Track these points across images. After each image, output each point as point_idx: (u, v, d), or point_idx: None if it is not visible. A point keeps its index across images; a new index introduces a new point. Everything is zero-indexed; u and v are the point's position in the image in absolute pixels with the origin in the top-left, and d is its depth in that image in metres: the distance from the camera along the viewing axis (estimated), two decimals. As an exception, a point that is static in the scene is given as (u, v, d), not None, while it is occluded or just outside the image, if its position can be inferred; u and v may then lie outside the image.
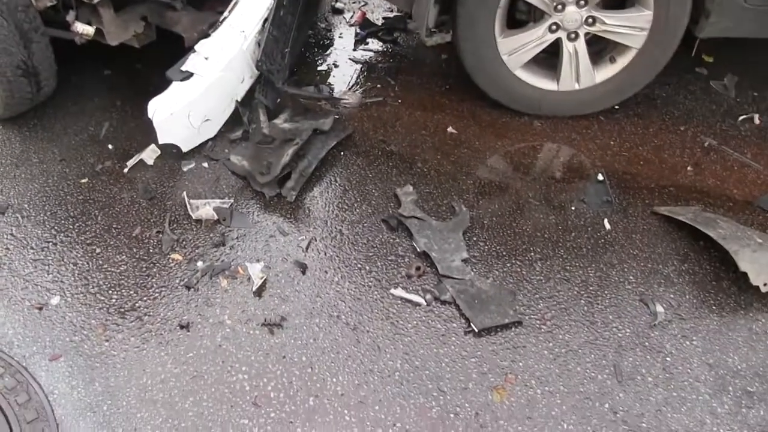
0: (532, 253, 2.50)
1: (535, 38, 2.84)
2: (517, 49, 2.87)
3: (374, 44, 3.61)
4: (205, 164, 2.86)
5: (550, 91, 2.98)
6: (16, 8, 2.76)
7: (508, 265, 2.46)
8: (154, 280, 2.42)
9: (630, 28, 2.80)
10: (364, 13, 3.75)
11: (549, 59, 2.96)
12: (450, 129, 3.01)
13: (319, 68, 3.46)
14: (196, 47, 2.83)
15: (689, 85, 3.31)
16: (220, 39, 2.85)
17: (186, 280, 2.41)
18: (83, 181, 2.85)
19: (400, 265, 2.46)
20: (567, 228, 2.60)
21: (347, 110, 3.12)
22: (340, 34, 3.71)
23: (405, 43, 3.60)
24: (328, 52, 3.57)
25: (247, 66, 2.94)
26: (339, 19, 3.82)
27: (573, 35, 2.83)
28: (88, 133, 3.11)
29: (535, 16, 2.88)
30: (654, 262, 2.48)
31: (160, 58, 3.17)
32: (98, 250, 2.54)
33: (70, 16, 2.88)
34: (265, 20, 2.94)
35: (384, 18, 3.76)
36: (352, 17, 3.80)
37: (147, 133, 2.88)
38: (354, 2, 3.93)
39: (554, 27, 2.81)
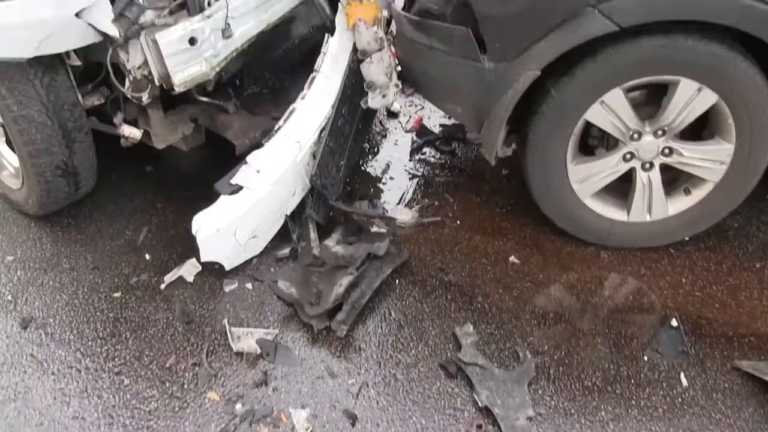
0: (603, 413, 2.25)
1: (608, 167, 2.65)
2: (588, 178, 2.68)
3: (431, 154, 3.42)
4: (249, 285, 2.66)
5: (620, 221, 2.78)
6: (63, 107, 2.63)
7: (578, 425, 2.21)
8: (187, 423, 2.19)
9: (709, 161, 2.61)
10: (420, 119, 3.59)
11: (619, 187, 2.76)
12: (512, 258, 2.79)
13: (374, 180, 3.27)
14: (248, 159, 2.66)
15: (761, 215, 3.07)
16: (273, 150, 2.69)
17: (223, 425, 2.18)
18: (116, 295, 2.66)
19: (458, 420, 2.21)
20: (640, 382, 2.35)
21: (403, 230, 2.92)
22: (396, 141, 3.54)
23: (463, 155, 3.41)
24: (382, 161, 3.39)
25: (299, 178, 2.76)
26: (394, 123, 3.66)
27: (648, 165, 2.64)
28: (124, 238, 2.93)
29: (609, 143, 2.70)
30: (741, 430, 2.22)
31: (206, 157, 3.04)
32: (127, 382, 2.32)
33: (118, 119, 2.73)
34: (322, 130, 2.78)
35: (441, 125, 3.58)
36: (407, 122, 3.63)
37: (187, 242, 2.70)
38: (410, 105, 3.77)
39: (629, 156, 2.62)
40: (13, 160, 2.93)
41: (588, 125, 2.60)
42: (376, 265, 2.64)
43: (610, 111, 2.49)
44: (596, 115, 2.51)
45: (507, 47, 2.43)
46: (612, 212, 2.77)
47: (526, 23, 2.37)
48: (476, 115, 2.65)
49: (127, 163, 3.23)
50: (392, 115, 3.67)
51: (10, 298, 2.69)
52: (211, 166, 3.06)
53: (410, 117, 3.69)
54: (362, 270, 2.58)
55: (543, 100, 2.50)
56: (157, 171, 3.32)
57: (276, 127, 2.75)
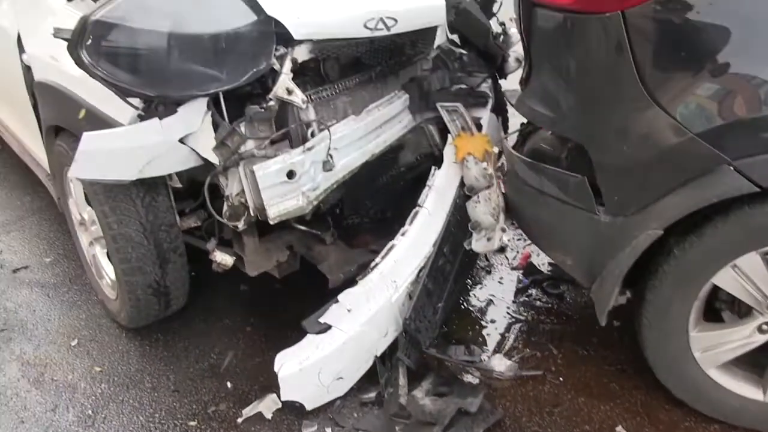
0: None
1: (739, 337, 2.33)
2: (714, 347, 2.36)
3: (537, 296, 3.17)
4: (329, 430, 2.47)
5: (754, 400, 2.42)
6: (160, 227, 2.60)
7: None
8: None
9: None
10: (528, 255, 3.37)
11: (754, 358, 2.41)
12: (619, 428, 2.46)
13: (472, 321, 3.04)
14: (339, 297, 2.51)
15: None
16: (367, 289, 2.54)
17: None
18: (192, 423, 2.54)
19: None
20: None
21: (499, 383, 2.67)
22: (500, 278, 3.31)
23: (572, 300, 3.14)
24: (483, 301, 3.15)
25: (393, 319, 2.58)
26: (500, 258, 3.45)
27: (791, 338, 2.30)
28: (209, 361, 2.84)
29: (741, 310, 2.38)
30: None
31: (301, 279, 2.93)
32: None
33: (211, 244, 2.67)
34: (421, 269, 2.63)
35: (550, 264, 3.34)
36: (514, 258, 3.43)
37: (271, 373, 2.54)
38: (519, 238, 3.57)
39: (765, 327, 2.29)
40: (111, 271, 2.93)
41: (715, 287, 2.32)
42: (467, 423, 2.40)
43: (744, 276, 2.19)
44: (726, 280, 2.21)
45: (626, 201, 2.21)
46: (743, 388, 2.41)
47: (649, 177, 2.15)
48: (588, 269, 2.42)
49: (222, 279, 3.16)
50: (499, 249, 3.46)
51: (90, 412, 2.62)
52: (305, 292, 2.95)
53: (518, 252, 3.48)
54: (450, 423, 2.35)
55: (664, 260, 2.24)
56: (250, 291, 3.24)
57: (372, 264, 2.60)
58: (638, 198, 2.18)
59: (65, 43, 2.27)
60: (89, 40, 2.20)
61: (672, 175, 2.09)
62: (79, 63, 2.23)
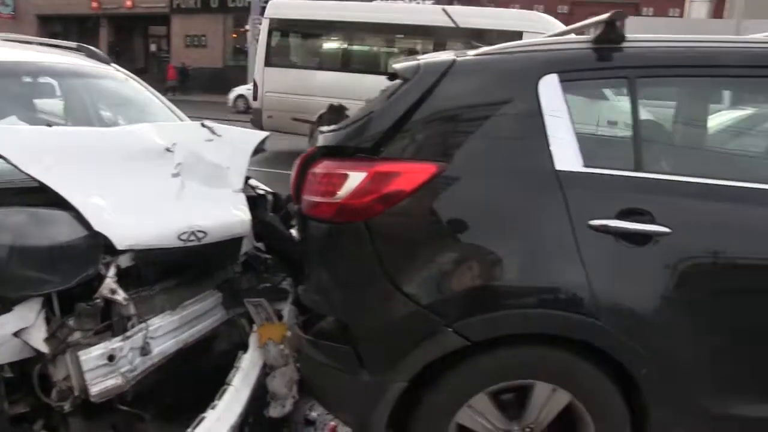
0: None
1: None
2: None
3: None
4: None
5: None
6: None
7: None
8: None
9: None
10: (335, 427, 3.85)
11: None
12: None
13: None
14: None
15: None
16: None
17: None
18: None
19: None
20: None
21: None
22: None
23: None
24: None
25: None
26: (309, 431, 3.93)
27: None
28: None
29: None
30: None
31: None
32: None
33: (38, 425, 3.00)
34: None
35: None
36: (322, 430, 3.90)
37: None
38: (326, 413, 4.03)
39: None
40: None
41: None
42: None
43: (479, 414, 2.86)
44: (466, 418, 2.87)
45: (379, 361, 2.89)
46: None
47: (393, 342, 2.87)
48: (361, 424, 3.03)
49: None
50: (309, 423, 3.93)
51: None
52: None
53: (325, 425, 3.95)
54: None
55: (416, 408, 2.87)
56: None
57: (187, 432, 3.04)
58: (387, 358, 2.85)
59: None
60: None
61: (409, 338, 2.80)
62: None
